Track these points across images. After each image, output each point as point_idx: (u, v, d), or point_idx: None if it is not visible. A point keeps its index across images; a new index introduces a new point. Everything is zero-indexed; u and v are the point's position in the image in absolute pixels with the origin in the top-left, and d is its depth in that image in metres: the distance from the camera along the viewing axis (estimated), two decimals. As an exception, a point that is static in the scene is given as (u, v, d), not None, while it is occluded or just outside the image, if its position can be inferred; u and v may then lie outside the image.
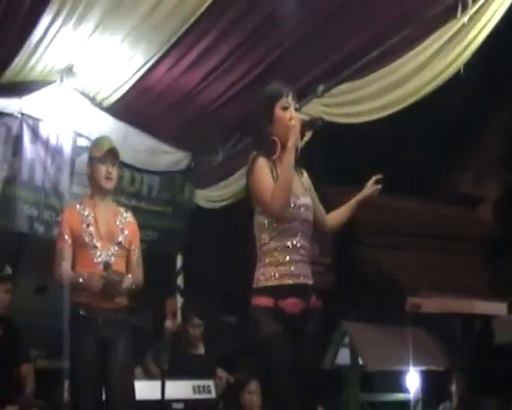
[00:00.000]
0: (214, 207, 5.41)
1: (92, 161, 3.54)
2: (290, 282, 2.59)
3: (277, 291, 2.58)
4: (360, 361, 5.38)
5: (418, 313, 5.45)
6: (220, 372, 4.84)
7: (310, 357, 2.64)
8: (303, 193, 2.73)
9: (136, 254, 3.59)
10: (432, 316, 5.58)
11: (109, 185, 3.53)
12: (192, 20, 3.84)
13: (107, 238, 3.46)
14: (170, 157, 5.51)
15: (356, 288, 6.04)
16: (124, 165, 5.10)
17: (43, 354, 4.98)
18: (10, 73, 4.35)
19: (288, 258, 2.61)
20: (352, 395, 5.39)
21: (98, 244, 3.42)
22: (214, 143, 5.21)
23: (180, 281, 5.80)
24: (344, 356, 5.72)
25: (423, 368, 5.31)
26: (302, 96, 4.09)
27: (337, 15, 3.64)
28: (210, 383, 4.28)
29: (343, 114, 4.00)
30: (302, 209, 2.67)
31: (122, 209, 3.67)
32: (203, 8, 3.73)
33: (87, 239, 3.41)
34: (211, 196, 5.49)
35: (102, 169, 3.48)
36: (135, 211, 5.12)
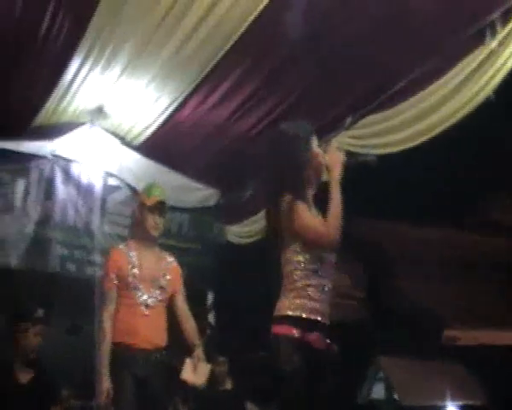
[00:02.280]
0: (244, 243, 5.41)
1: (142, 207, 3.65)
2: (318, 318, 2.59)
3: (305, 324, 2.56)
4: (395, 396, 5.30)
5: (454, 346, 5.35)
6: (250, 407, 4.82)
7: (330, 393, 2.62)
8: None
9: (183, 301, 3.71)
10: (469, 348, 5.47)
11: (155, 233, 3.66)
12: (218, 57, 3.90)
13: (149, 281, 3.56)
14: (199, 194, 5.56)
15: (390, 321, 5.95)
16: (153, 203, 5.22)
17: (75, 393, 4.99)
18: (42, 116, 4.47)
19: (317, 296, 2.61)
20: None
21: (141, 286, 3.52)
22: (242, 179, 5.22)
23: (211, 318, 5.79)
24: (379, 391, 5.65)
25: (460, 403, 5.19)
26: (329, 129, 4.12)
27: (363, 47, 3.64)
28: None
29: (371, 145, 3.99)
30: (332, 252, 2.71)
31: (166, 254, 3.79)
32: (228, 46, 3.78)
33: (131, 280, 3.52)
34: (240, 232, 5.50)
35: (151, 218, 3.61)
36: (164, 248, 5.27)
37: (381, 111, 3.91)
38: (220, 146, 4.84)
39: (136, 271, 3.54)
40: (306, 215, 2.61)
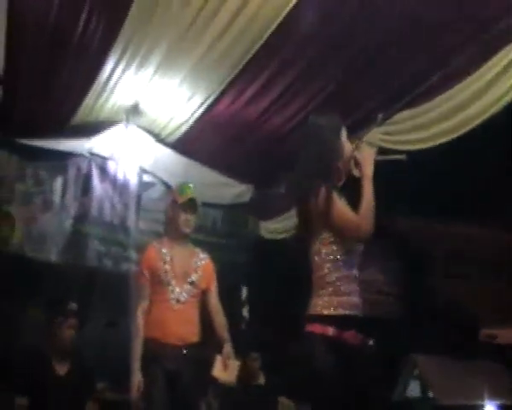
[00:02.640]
0: (277, 239, 5.43)
1: (174, 205, 3.75)
2: (351, 313, 2.58)
3: (340, 321, 2.56)
4: (431, 394, 5.24)
5: (491, 345, 5.27)
6: (284, 401, 4.85)
7: (365, 388, 2.61)
8: None
9: (215, 297, 3.78)
10: (507, 347, 5.38)
11: (187, 230, 3.76)
12: (249, 56, 3.91)
13: (181, 277, 3.64)
14: (233, 190, 5.61)
15: (426, 319, 5.90)
16: (188, 199, 5.29)
17: (110, 386, 5.10)
18: (79, 115, 4.57)
19: (347, 289, 2.60)
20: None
21: (173, 282, 3.61)
22: (276, 174, 5.24)
23: (245, 312, 5.85)
24: (414, 389, 5.60)
25: (498, 402, 5.10)
26: (361, 126, 4.09)
27: (395, 42, 3.60)
28: None
29: (404, 141, 3.95)
30: (360, 244, 2.70)
31: (199, 250, 3.86)
32: (262, 42, 3.78)
33: (162, 276, 3.61)
34: (273, 228, 5.52)
35: (182, 215, 3.71)
36: (198, 244, 5.31)
37: (413, 107, 3.87)
38: (253, 143, 4.86)
39: (167, 267, 3.62)
40: (342, 205, 2.63)
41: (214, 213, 5.60)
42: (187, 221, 3.72)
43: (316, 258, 2.67)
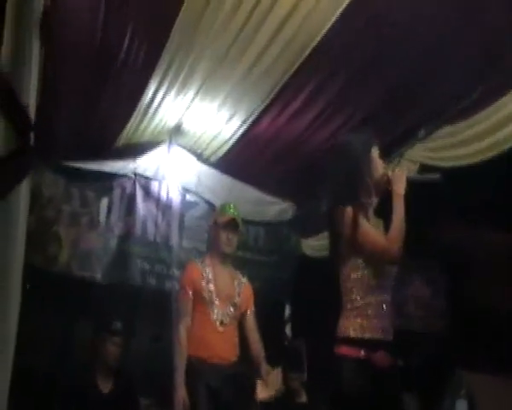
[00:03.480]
0: (320, 256, 5.43)
1: (216, 225, 3.83)
2: (380, 336, 2.61)
3: (368, 344, 2.59)
4: (479, 416, 5.12)
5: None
6: None
7: None
8: None
9: (252, 320, 3.84)
10: None
11: (229, 250, 3.83)
12: (291, 72, 3.94)
13: (225, 298, 3.71)
14: (275, 208, 5.64)
15: (474, 334, 5.78)
16: (230, 217, 5.35)
17: (155, 403, 5.16)
18: (124, 136, 4.69)
19: (377, 314, 2.63)
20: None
21: (216, 302, 3.67)
22: (317, 192, 5.25)
23: (288, 330, 5.84)
24: (461, 408, 5.48)
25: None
26: (404, 141, 4.09)
27: (438, 57, 3.58)
28: None
29: (448, 157, 3.93)
30: (394, 266, 2.71)
31: (239, 273, 3.93)
32: (301, 60, 3.81)
33: (206, 296, 3.66)
34: (315, 245, 5.52)
35: (224, 235, 3.78)
36: (241, 262, 5.37)
37: (457, 122, 3.85)
38: (294, 160, 4.89)
39: (211, 286, 3.68)
40: (368, 228, 2.63)
41: (256, 230, 5.63)
42: (228, 241, 3.79)
43: (345, 282, 2.69)
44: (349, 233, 2.61)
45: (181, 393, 3.48)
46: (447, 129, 3.91)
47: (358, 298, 2.64)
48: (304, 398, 5.02)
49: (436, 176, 2.79)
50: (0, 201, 1.87)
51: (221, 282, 3.75)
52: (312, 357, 5.83)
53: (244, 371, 4.17)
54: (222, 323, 3.64)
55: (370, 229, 2.63)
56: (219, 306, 3.67)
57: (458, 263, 5.72)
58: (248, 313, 3.84)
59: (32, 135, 1.91)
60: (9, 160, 1.87)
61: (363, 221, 2.62)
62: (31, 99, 2.62)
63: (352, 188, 2.71)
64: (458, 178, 4.10)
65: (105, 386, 4.34)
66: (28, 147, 1.88)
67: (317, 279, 5.38)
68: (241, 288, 3.85)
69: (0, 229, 2.44)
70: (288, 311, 5.86)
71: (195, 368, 3.54)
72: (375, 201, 2.76)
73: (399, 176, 2.69)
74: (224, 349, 3.63)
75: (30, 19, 2.77)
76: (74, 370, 4.68)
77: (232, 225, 3.81)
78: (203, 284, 3.68)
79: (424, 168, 4.01)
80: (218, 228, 3.82)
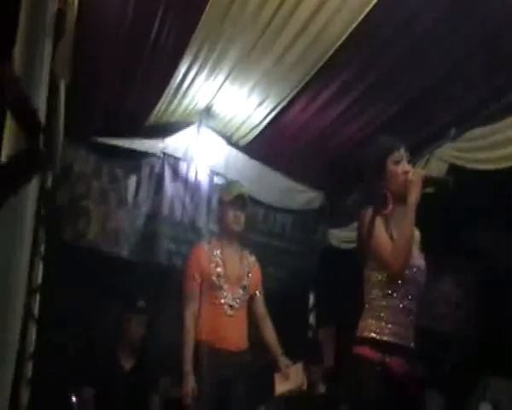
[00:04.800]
0: (347, 249, 5.45)
1: (222, 204, 3.77)
2: (399, 342, 2.61)
3: (385, 347, 2.60)
4: (504, 422, 5.09)
5: None
6: None
7: None
8: (418, 254, 2.75)
9: (261, 302, 3.77)
10: None
11: (237, 229, 3.73)
12: (322, 62, 3.97)
13: (234, 281, 3.64)
14: (304, 196, 5.65)
15: (502, 337, 5.72)
16: (257, 203, 5.41)
17: (175, 382, 5.27)
18: (153, 116, 4.77)
19: (397, 319, 2.63)
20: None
21: (225, 286, 3.60)
22: (347, 183, 5.27)
23: (312, 319, 5.89)
24: (487, 411, 5.45)
25: None
26: (434, 140, 4.06)
27: (471, 57, 3.57)
28: None
29: (478, 159, 3.87)
30: (416, 271, 2.69)
31: (247, 252, 3.84)
32: (332, 51, 3.83)
33: (215, 280, 3.60)
34: (344, 237, 5.51)
35: (230, 213, 3.69)
36: (267, 249, 5.45)
37: (489, 124, 3.77)
38: (324, 150, 4.91)
39: (220, 270, 3.61)
40: (381, 234, 2.63)
41: (283, 217, 5.64)
42: (236, 218, 3.69)
43: (366, 283, 2.72)
44: (365, 236, 2.65)
45: (190, 383, 3.43)
46: (480, 130, 3.84)
47: (377, 300, 2.66)
48: (322, 389, 5.07)
49: (447, 178, 2.79)
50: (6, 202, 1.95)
51: (230, 264, 3.66)
52: (337, 348, 5.91)
53: (255, 362, 4.22)
54: (232, 307, 3.58)
55: (383, 237, 2.62)
56: (228, 289, 3.59)
57: (490, 267, 5.67)
58: (257, 294, 3.75)
59: (41, 137, 1.97)
60: (18, 160, 1.94)
61: (379, 227, 2.63)
62: (41, 102, 2.67)
63: (368, 193, 2.78)
64: (497, 181, 4.06)
65: (127, 363, 4.44)
66: (37, 149, 1.94)
67: (342, 271, 5.42)
68: (250, 268, 3.76)
69: (7, 230, 2.48)
70: (312, 301, 5.89)
71: (204, 355, 3.49)
72: (397, 209, 2.69)
73: (414, 183, 2.64)
74: (234, 336, 3.57)
75: (44, 20, 2.79)
76: (98, 345, 4.83)
77: (239, 202, 3.71)
78: (211, 267, 3.61)
79: (454, 169, 3.97)
80: (224, 206, 3.72)
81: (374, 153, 2.79)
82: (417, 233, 2.83)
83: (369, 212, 2.67)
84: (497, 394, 5.31)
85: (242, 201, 3.75)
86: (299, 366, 3.60)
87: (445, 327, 6.12)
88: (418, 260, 2.74)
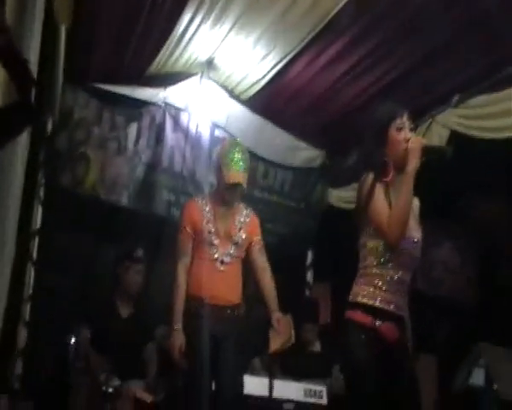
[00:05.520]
0: (346, 208, 5.49)
1: (218, 163, 3.70)
2: (391, 308, 2.65)
3: (377, 312, 2.64)
4: (495, 386, 5.18)
5: None
6: (337, 372, 4.90)
7: (404, 389, 2.66)
8: (415, 226, 2.75)
9: (259, 252, 3.71)
10: None
11: (231, 200, 3.70)
12: (329, 17, 3.94)
13: (225, 237, 3.64)
14: (304, 153, 5.66)
15: (500, 305, 5.79)
16: (258, 158, 5.44)
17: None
18: (156, 65, 4.75)
19: (390, 288, 2.66)
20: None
21: (216, 242, 3.61)
22: (349, 143, 5.27)
23: (309, 277, 5.96)
24: (478, 378, 5.54)
25: None
26: (436, 106, 4.06)
27: (477, 24, 3.55)
28: (322, 388, 4.36)
29: (480, 127, 3.86)
30: (413, 245, 2.71)
31: (242, 206, 3.80)
32: (340, 6, 3.80)
33: (206, 236, 3.60)
34: (343, 197, 5.55)
35: (226, 194, 3.66)
36: (267, 204, 5.50)
37: (493, 92, 3.76)
38: (326, 110, 4.92)
39: (211, 226, 3.61)
40: (379, 201, 2.64)
41: (284, 174, 5.67)
42: (230, 198, 3.68)
43: (361, 248, 2.74)
44: (364, 202, 2.66)
45: (178, 339, 3.46)
46: (483, 98, 3.83)
47: (371, 267, 2.68)
48: (317, 347, 5.13)
49: (448, 148, 2.78)
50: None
51: (221, 221, 3.65)
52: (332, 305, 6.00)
53: (253, 314, 4.24)
54: (223, 263, 3.59)
55: (381, 205, 2.63)
56: (219, 245, 3.59)
57: (489, 234, 5.70)
58: (253, 244, 3.72)
59: (33, 90, 1.97)
60: (9, 112, 1.95)
61: (378, 194, 2.63)
62: (32, 54, 2.65)
63: (368, 159, 2.76)
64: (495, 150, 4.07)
65: (124, 311, 4.49)
66: (29, 102, 1.95)
67: (340, 230, 5.47)
68: (244, 222, 3.73)
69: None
70: (310, 258, 5.96)
71: (194, 310, 3.51)
72: (398, 177, 2.68)
73: (413, 151, 2.63)
74: (225, 290, 3.58)
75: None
76: (95, 292, 4.89)
77: (235, 188, 3.63)
78: (203, 223, 3.61)
79: (455, 136, 3.97)
80: (220, 167, 3.67)
81: (376, 119, 2.77)
82: (417, 203, 2.84)
83: (370, 178, 2.67)
84: (491, 360, 5.38)
85: (239, 188, 3.66)
86: (288, 318, 3.62)
87: (442, 292, 6.19)
88: (415, 232, 2.74)
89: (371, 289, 2.66)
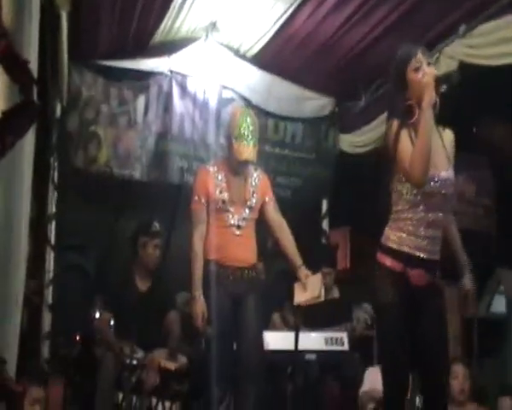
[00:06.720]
0: (358, 153, 5.65)
1: (230, 135, 3.77)
2: (421, 255, 2.73)
3: (407, 258, 2.73)
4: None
5: None
6: (360, 315, 5.01)
7: (431, 333, 2.76)
8: (444, 164, 2.76)
9: (273, 210, 3.82)
10: None
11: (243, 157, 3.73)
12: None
13: (239, 203, 3.76)
14: (314, 103, 5.78)
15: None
16: (268, 114, 5.61)
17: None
18: (159, 34, 4.88)
19: (423, 232, 2.72)
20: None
21: (231, 209, 3.73)
22: (357, 88, 5.41)
23: (325, 225, 6.16)
24: (499, 305, 5.76)
25: None
26: (444, 38, 4.17)
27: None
28: (343, 335, 4.48)
29: (488, 55, 3.94)
30: (443, 183, 2.72)
31: (251, 168, 3.88)
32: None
33: (220, 204, 3.73)
34: (354, 142, 5.70)
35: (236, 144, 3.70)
36: (279, 159, 5.68)
37: (499, 18, 3.83)
38: (334, 55, 5.03)
39: (225, 195, 3.73)
40: (405, 146, 2.68)
41: (294, 126, 5.80)
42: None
43: (392, 193, 2.81)
44: (391, 146, 2.72)
45: (200, 307, 3.58)
46: (490, 25, 3.90)
47: (402, 212, 2.74)
48: (336, 293, 5.20)
49: (455, 75, 2.89)
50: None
51: (234, 188, 3.76)
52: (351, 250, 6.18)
53: (270, 270, 4.29)
54: (239, 227, 3.71)
55: (406, 149, 2.66)
56: (234, 211, 3.72)
57: (504, 163, 5.79)
58: (267, 203, 3.81)
59: (34, 90, 2.06)
60: (12, 114, 2.04)
61: (404, 139, 2.68)
62: (32, 54, 2.69)
63: (392, 104, 2.83)
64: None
65: (143, 284, 4.56)
66: (31, 102, 2.04)
67: (354, 175, 5.65)
68: (256, 185, 3.83)
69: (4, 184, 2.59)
70: (325, 206, 6.14)
71: (214, 274, 3.62)
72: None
73: (426, 85, 2.63)
74: (242, 252, 3.72)
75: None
76: (113, 269, 5.01)
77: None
78: (217, 193, 3.71)
79: (464, 66, 4.06)
80: (230, 137, 3.75)
81: (393, 65, 2.82)
82: (450, 137, 2.87)
83: (394, 125, 2.73)
84: (508, 287, 5.60)
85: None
86: (319, 276, 3.70)
87: (458, 223, 6.34)
88: (445, 172, 2.74)
89: (402, 234, 2.74)
